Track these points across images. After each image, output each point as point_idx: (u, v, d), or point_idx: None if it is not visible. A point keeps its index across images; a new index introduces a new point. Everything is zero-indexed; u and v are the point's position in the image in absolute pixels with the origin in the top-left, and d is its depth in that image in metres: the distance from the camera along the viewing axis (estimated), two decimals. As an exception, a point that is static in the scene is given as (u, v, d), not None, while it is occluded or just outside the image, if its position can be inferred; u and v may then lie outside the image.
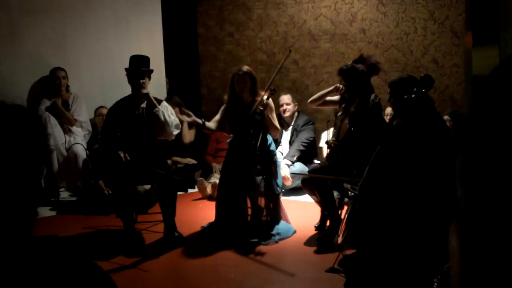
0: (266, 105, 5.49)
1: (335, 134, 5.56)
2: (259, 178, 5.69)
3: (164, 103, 5.86)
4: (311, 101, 5.85)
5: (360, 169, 4.79)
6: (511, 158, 0.48)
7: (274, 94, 5.65)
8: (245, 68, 5.76)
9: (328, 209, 5.54)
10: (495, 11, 7.06)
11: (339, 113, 5.57)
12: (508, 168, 0.48)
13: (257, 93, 5.67)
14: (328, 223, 5.59)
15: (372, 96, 5.33)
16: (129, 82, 5.69)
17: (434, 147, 4.15)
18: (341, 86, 5.53)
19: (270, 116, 5.58)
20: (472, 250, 0.52)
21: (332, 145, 5.48)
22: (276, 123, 5.68)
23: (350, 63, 5.48)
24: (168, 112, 5.71)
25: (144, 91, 5.60)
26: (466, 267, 0.54)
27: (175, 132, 5.80)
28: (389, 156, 4.19)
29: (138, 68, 5.65)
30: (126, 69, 5.72)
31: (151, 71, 5.78)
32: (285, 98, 7.64)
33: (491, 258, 0.50)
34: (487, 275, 0.51)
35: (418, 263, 3.58)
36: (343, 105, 5.53)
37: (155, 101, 5.66)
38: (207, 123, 5.76)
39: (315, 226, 5.83)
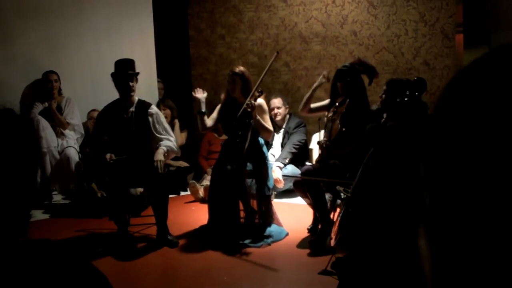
0: (254, 107, 5.48)
1: (327, 135, 5.58)
2: (250, 181, 5.68)
3: (154, 108, 5.87)
4: (301, 108, 5.92)
5: (352, 172, 4.80)
6: (472, 164, 0.50)
7: (261, 95, 5.65)
8: (237, 69, 5.75)
9: (320, 211, 5.55)
10: (486, 13, 7.11)
11: (330, 114, 5.59)
12: (469, 173, 0.50)
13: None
14: (320, 225, 5.61)
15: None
16: (116, 86, 5.72)
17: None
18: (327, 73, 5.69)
19: (260, 118, 5.57)
20: (441, 253, 0.55)
21: (324, 145, 5.50)
22: (268, 125, 5.66)
23: (348, 64, 5.52)
24: (160, 119, 5.77)
25: (134, 96, 5.76)
26: (437, 268, 0.56)
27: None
28: (382, 158, 4.20)
29: (125, 71, 5.66)
30: (112, 74, 5.73)
31: (138, 73, 5.79)
32: (276, 102, 7.64)
33: (459, 260, 0.52)
34: (456, 274, 0.53)
35: (411, 266, 3.59)
36: (335, 105, 5.55)
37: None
38: (206, 118, 5.84)
39: (307, 229, 5.84)
